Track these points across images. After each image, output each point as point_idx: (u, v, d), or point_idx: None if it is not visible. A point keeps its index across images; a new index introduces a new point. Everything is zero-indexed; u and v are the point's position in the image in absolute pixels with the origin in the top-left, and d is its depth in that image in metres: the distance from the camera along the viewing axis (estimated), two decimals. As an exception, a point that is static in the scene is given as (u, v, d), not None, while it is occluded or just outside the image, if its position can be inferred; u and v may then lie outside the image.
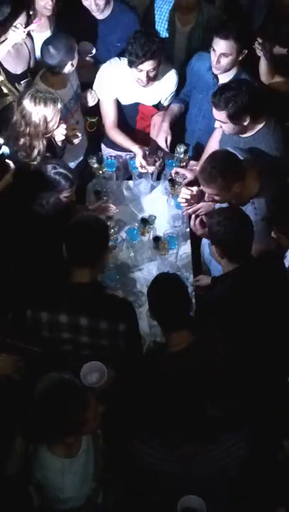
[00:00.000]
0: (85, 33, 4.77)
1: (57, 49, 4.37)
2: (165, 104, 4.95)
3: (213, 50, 4.42)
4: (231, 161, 3.85)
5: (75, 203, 4.30)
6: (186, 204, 4.40)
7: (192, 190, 4.35)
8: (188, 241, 4.59)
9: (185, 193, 4.38)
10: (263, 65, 4.53)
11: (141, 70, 4.52)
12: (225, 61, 4.43)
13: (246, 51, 4.45)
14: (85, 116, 5.04)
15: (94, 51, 4.79)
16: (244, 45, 4.43)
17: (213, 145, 4.59)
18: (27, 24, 4.47)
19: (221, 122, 4.13)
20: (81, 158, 5.02)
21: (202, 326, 3.47)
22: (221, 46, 4.39)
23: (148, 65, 4.49)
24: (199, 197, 4.34)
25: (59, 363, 3.47)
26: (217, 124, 4.18)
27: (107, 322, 3.39)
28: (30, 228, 3.76)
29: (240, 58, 4.46)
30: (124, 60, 4.58)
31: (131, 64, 4.51)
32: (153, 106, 4.92)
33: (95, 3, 4.70)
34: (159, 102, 4.92)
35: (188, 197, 4.36)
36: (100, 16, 4.82)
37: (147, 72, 4.53)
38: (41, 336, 3.50)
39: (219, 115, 4.11)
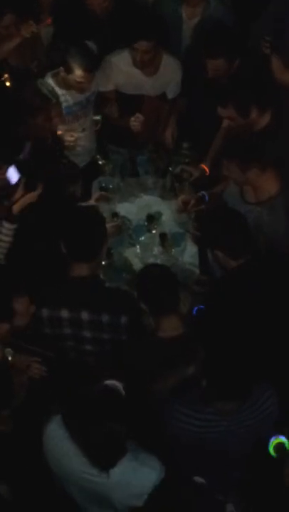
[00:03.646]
0: (88, 30, 4.74)
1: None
2: (170, 96, 4.93)
3: (206, 65, 4.42)
4: (253, 144, 3.81)
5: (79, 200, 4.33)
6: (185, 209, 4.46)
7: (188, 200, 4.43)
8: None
9: (183, 199, 4.45)
10: (273, 62, 4.44)
11: (136, 49, 4.53)
12: (219, 73, 4.42)
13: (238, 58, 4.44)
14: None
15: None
16: (236, 53, 4.43)
17: (219, 142, 4.58)
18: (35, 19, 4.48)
19: (229, 119, 4.11)
20: (89, 161, 5.00)
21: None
22: (211, 64, 4.41)
23: (142, 45, 4.49)
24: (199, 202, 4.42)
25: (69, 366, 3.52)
26: (225, 123, 4.16)
27: (108, 315, 3.39)
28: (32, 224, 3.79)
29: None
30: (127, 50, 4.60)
31: (127, 41, 4.52)
32: (158, 97, 4.90)
33: (100, 8, 4.69)
34: (164, 93, 4.90)
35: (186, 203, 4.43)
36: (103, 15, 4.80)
37: (142, 53, 4.53)
38: (43, 333, 3.50)
39: (226, 112, 4.09)
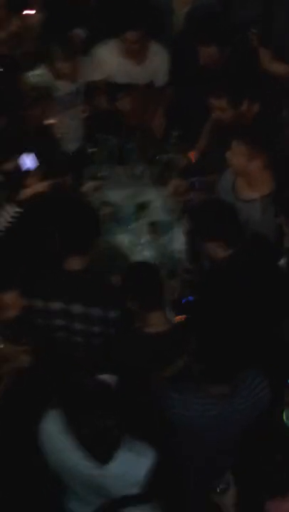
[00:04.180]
0: (76, 16, 4.76)
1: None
2: (158, 84, 4.96)
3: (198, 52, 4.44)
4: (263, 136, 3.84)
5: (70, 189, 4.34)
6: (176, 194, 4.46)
7: (180, 185, 4.42)
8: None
9: (175, 184, 4.45)
10: (261, 53, 4.51)
11: (125, 39, 4.57)
12: (211, 61, 4.44)
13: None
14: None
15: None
16: (228, 40, 4.46)
17: (208, 132, 4.61)
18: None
19: (220, 110, 4.12)
20: (77, 145, 5.00)
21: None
22: (203, 51, 4.44)
23: (131, 35, 4.54)
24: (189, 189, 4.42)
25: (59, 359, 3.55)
26: (215, 115, 4.18)
27: (99, 309, 3.43)
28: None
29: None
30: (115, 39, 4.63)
31: (116, 31, 4.56)
32: (146, 86, 4.93)
33: None
34: (152, 81, 4.93)
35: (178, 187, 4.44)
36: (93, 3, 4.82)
37: (130, 43, 4.58)
38: (35, 323, 3.54)
39: (218, 103, 4.10)
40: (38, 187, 3.77)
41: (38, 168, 3.77)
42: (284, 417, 3.27)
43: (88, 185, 4.51)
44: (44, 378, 3.48)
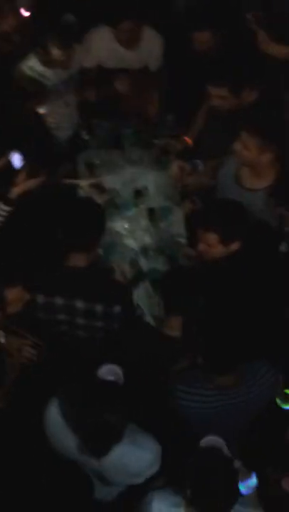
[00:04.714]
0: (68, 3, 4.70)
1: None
2: (152, 69, 4.93)
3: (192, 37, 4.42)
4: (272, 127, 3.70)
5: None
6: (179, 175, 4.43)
7: (183, 166, 4.38)
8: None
9: (176, 166, 4.42)
10: (259, 36, 4.42)
11: (119, 29, 4.55)
12: (205, 46, 4.43)
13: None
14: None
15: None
16: (223, 25, 4.41)
17: (202, 117, 4.61)
18: None
19: (219, 99, 4.07)
20: (71, 133, 4.98)
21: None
22: (198, 37, 4.42)
23: (125, 25, 4.51)
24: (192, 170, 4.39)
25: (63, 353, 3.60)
26: (216, 102, 4.11)
27: (102, 305, 3.45)
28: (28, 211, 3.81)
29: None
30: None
31: (109, 20, 4.54)
32: (140, 71, 4.90)
33: None
34: (146, 66, 4.90)
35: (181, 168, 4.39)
36: None
37: (125, 32, 4.56)
38: (37, 317, 3.57)
39: (219, 91, 4.04)
40: (28, 184, 3.77)
41: (28, 165, 3.74)
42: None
43: (85, 183, 4.49)
44: (48, 371, 3.53)
